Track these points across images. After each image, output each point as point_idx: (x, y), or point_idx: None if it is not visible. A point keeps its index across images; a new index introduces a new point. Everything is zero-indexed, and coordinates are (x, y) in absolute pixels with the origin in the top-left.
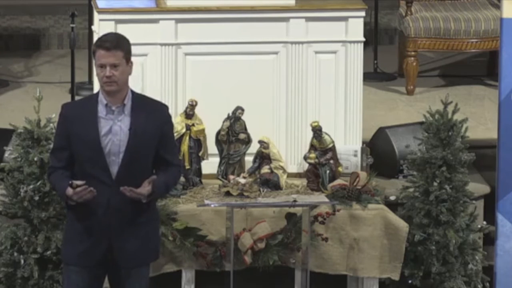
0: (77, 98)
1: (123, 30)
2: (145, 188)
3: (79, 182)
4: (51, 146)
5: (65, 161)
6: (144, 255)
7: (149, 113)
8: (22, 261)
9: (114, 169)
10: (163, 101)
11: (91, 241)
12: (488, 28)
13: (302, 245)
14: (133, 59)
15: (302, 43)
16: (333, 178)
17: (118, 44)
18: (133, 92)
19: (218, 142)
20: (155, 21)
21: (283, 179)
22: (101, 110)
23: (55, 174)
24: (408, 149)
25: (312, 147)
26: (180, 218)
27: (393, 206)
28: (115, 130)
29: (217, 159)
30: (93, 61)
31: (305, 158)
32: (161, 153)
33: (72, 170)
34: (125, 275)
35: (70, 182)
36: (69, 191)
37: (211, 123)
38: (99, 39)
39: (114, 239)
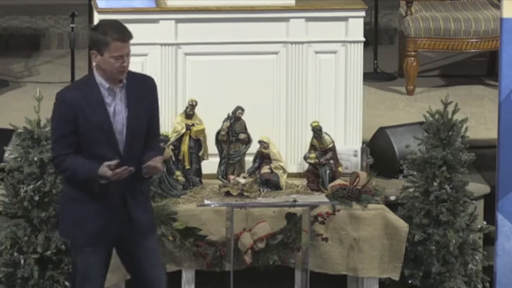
0: None
1: None
2: (159, 160)
3: (113, 162)
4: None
5: (73, 147)
6: (153, 223)
7: (139, 87)
8: (22, 261)
9: (120, 147)
10: (163, 101)
11: (106, 219)
12: (488, 28)
13: (302, 245)
14: (133, 59)
15: (302, 43)
16: (333, 178)
17: (130, 33)
18: None
19: (218, 142)
20: (155, 21)
21: (283, 179)
22: (104, 93)
23: (69, 159)
24: (408, 149)
25: (312, 147)
26: (180, 218)
27: (393, 206)
28: (117, 110)
29: (217, 159)
30: (96, 54)
31: (305, 158)
32: (150, 126)
33: (79, 154)
34: (142, 245)
35: (107, 164)
36: (108, 172)
37: (211, 123)
38: (110, 30)
39: (132, 211)
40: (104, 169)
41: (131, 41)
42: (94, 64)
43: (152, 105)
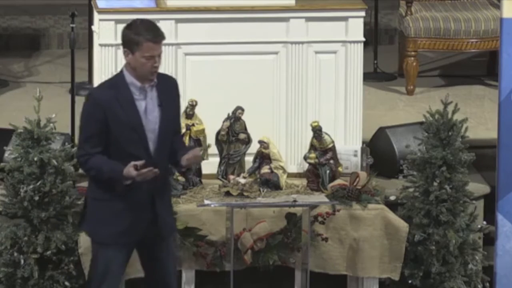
0: (77, 98)
1: None
2: (197, 150)
3: (140, 163)
4: (51, 145)
5: (101, 146)
6: (174, 224)
7: (166, 86)
8: (22, 261)
9: (151, 146)
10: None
11: (132, 218)
12: (488, 28)
13: (302, 245)
14: None
15: (302, 43)
16: (333, 178)
17: (162, 34)
18: None
19: (218, 142)
20: (155, 21)
21: (283, 179)
22: (134, 91)
23: (94, 158)
24: (408, 149)
25: (312, 147)
26: (180, 218)
27: (393, 206)
28: (149, 108)
29: (217, 159)
30: (128, 52)
31: (305, 158)
32: (176, 121)
33: (106, 154)
34: (162, 244)
35: (133, 164)
36: (133, 172)
37: (211, 123)
38: (142, 30)
39: (158, 211)
40: (130, 169)
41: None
42: (125, 62)
43: (177, 104)
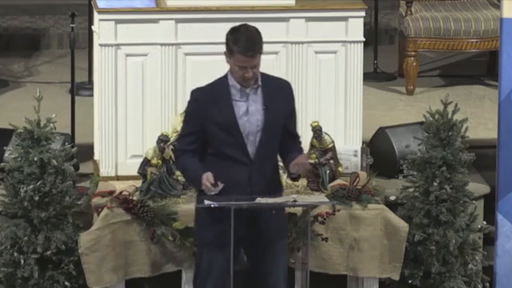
0: (77, 98)
1: (123, 30)
2: (304, 157)
3: (220, 186)
4: (51, 145)
5: (196, 145)
6: (283, 227)
7: (277, 90)
8: (22, 261)
9: (251, 149)
10: (163, 101)
11: (234, 220)
12: (488, 28)
13: (302, 245)
14: (133, 59)
15: (302, 43)
16: (333, 178)
17: (257, 49)
18: (260, 72)
19: None
20: (155, 21)
21: (283, 179)
22: (235, 93)
23: (186, 156)
24: (408, 149)
25: (312, 147)
26: (180, 218)
27: (393, 206)
28: (251, 111)
29: None
30: (228, 55)
31: None
32: (289, 127)
33: (201, 153)
34: (268, 249)
35: (216, 183)
36: (209, 187)
37: None
38: (238, 41)
39: (258, 214)
40: (207, 184)
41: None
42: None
43: (290, 108)
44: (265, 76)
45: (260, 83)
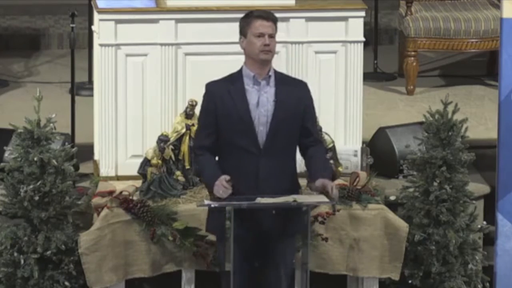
0: (77, 98)
1: (123, 30)
2: (330, 187)
3: (229, 190)
4: (51, 145)
5: (212, 138)
6: (291, 223)
7: (291, 87)
8: (22, 261)
9: (261, 139)
10: (163, 101)
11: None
12: (488, 28)
13: (302, 245)
14: (133, 59)
15: (302, 43)
16: (333, 178)
17: (274, 17)
18: (276, 70)
19: None
20: (155, 21)
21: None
22: (248, 83)
23: (202, 157)
24: (408, 149)
25: None
26: (180, 218)
27: (393, 206)
28: (262, 101)
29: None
30: (243, 39)
31: None
32: (307, 125)
33: (217, 147)
34: (275, 244)
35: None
36: (222, 190)
37: None
38: (255, 11)
39: (282, 208)
40: (220, 190)
41: (131, 42)
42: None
43: (307, 107)
44: (280, 73)
45: (271, 73)
